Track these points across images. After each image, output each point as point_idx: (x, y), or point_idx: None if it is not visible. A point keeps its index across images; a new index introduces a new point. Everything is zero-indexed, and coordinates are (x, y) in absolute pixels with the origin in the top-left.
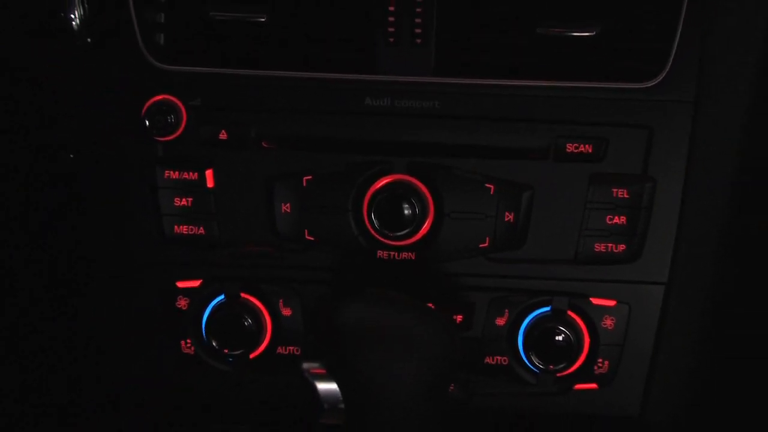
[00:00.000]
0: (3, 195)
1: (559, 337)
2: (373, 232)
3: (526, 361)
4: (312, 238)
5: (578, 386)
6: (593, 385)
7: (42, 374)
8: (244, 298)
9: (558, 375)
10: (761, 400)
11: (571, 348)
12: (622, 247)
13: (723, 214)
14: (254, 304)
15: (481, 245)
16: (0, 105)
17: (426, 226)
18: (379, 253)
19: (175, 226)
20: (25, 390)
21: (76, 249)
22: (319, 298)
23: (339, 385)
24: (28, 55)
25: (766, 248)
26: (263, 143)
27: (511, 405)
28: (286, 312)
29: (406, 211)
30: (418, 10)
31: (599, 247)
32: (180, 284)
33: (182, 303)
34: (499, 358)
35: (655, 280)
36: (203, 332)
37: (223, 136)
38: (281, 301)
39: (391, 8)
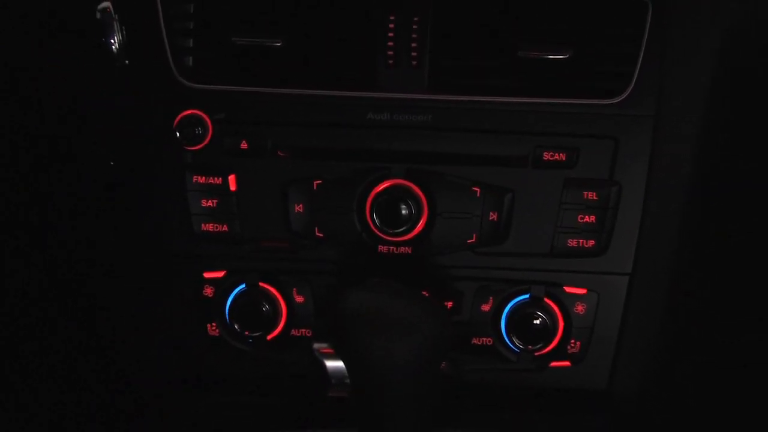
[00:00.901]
0: (56, 201)
1: (537, 321)
2: (374, 229)
3: (508, 342)
4: (321, 235)
5: (553, 364)
6: (566, 363)
7: (84, 350)
8: (262, 287)
9: (536, 354)
10: (715, 376)
11: (547, 330)
12: (591, 242)
13: (680, 213)
14: (271, 292)
15: (468, 241)
16: (54, 120)
17: (421, 225)
18: (380, 248)
19: (203, 225)
20: (64, 361)
21: (115, 246)
22: (328, 287)
23: (345, 363)
24: (76, 76)
25: (721, 245)
26: (279, 152)
27: (494, 380)
28: (299, 299)
29: (403, 212)
30: (414, 36)
31: (572, 243)
32: (207, 275)
33: (208, 291)
34: (484, 339)
35: (621, 271)
36: (227, 317)
37: (243, 145)
38: (295, 289)
39: (391, 35)
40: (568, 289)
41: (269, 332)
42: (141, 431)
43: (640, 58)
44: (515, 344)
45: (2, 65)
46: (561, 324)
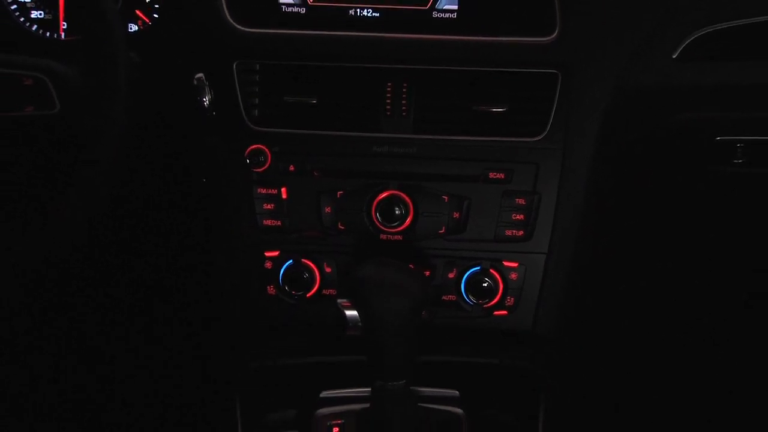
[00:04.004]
0: (165, 209)
1: (485, 284)
2: (378, 224)
3: (466, 298)
4: (343, 228)
5: (496, 313)
6: (504, 312)
7: (182, 309)
8: (303, 261)
9: (484, 306)
10: (604, 320)
11: (492, 290)
12: (521, 232)
13: (580, 213)
14: (309, 265)
15: (440, 231)
16: (170, 154)
17: (408, 221)
18: (381, 236)
19: (264, 221)
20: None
21: (208, 236)
22: (347, 262)
23: (358, 313)
24: (183, 122)
25: (607, 232)
26: (314, 173)
27: (457, 324)
28: (328, 270)
29: (397, 212)
30: (404, 95)
31: (508, 232)
32: (267, 254)
33: (268, 264)
34: (450, 296)
35: (540, 251)
36: (280, 281)
37: (291, 168)
38: (325, 263)
39: (389, 95)
40: (506, 263)
41: (308, 292)
42: (226, 358)
43: (553, 111)
44: (470, 300)
45: (152, 116)
46: (501, 286)
